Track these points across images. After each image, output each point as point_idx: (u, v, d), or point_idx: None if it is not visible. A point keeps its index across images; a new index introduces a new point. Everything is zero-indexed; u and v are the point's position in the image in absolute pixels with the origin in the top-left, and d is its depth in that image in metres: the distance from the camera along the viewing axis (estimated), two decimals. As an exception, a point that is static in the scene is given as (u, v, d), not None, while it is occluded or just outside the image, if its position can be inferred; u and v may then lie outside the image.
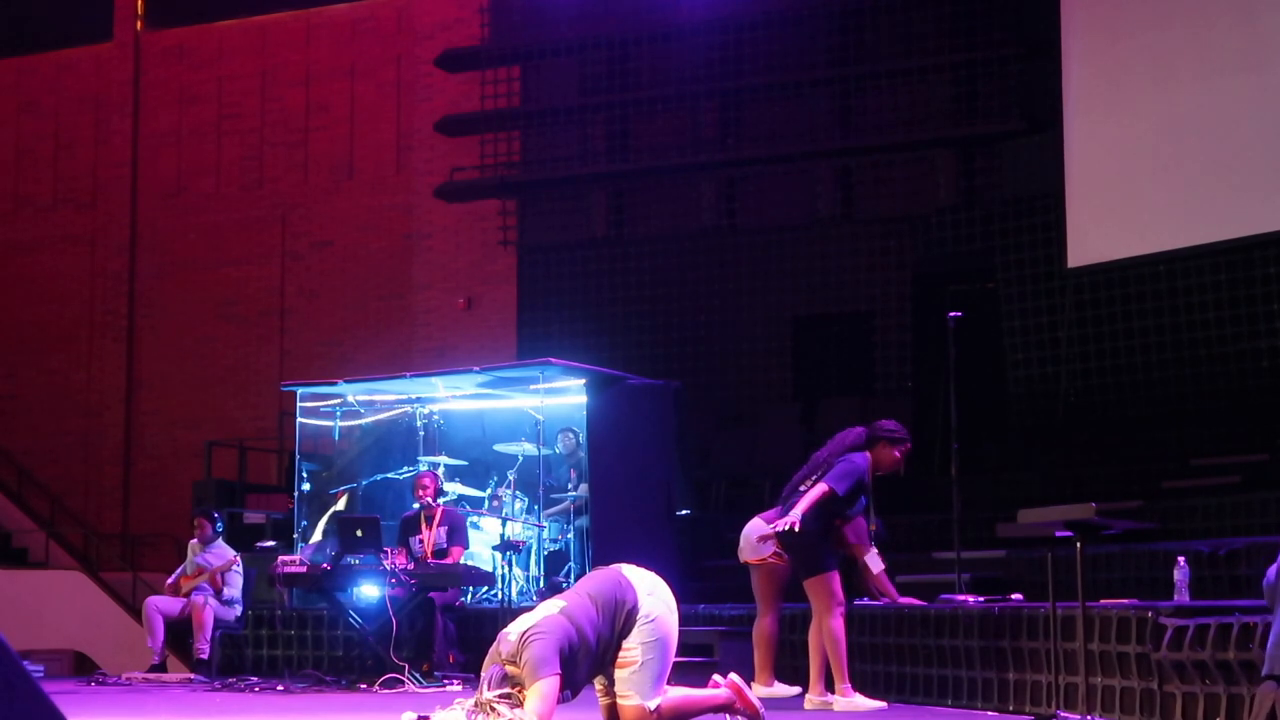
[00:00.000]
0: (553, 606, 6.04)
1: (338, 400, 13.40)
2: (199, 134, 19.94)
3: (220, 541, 12.45)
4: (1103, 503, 8.79)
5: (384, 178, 18.95)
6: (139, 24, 20.34)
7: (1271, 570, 6.12)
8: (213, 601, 12.03)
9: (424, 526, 11.46)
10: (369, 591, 10.67)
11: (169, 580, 12.51)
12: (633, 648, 6.10)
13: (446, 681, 10.24)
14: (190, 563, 12.37)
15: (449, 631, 11.07)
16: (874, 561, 8.80)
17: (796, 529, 8.12)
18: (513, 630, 5.95)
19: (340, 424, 13.51)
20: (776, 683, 8.73)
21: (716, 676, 6.71)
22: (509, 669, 5.83)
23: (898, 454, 8.49)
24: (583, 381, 12.42)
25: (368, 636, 10.72)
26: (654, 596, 6.19)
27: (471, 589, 11.71)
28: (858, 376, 15.89)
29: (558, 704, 5.83)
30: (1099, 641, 7.33)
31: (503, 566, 11.42)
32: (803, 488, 8.37)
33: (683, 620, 6.46)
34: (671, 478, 12.62)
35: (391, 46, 19.00)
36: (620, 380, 12.70)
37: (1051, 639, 7.50)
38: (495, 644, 5.98)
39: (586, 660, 5.99)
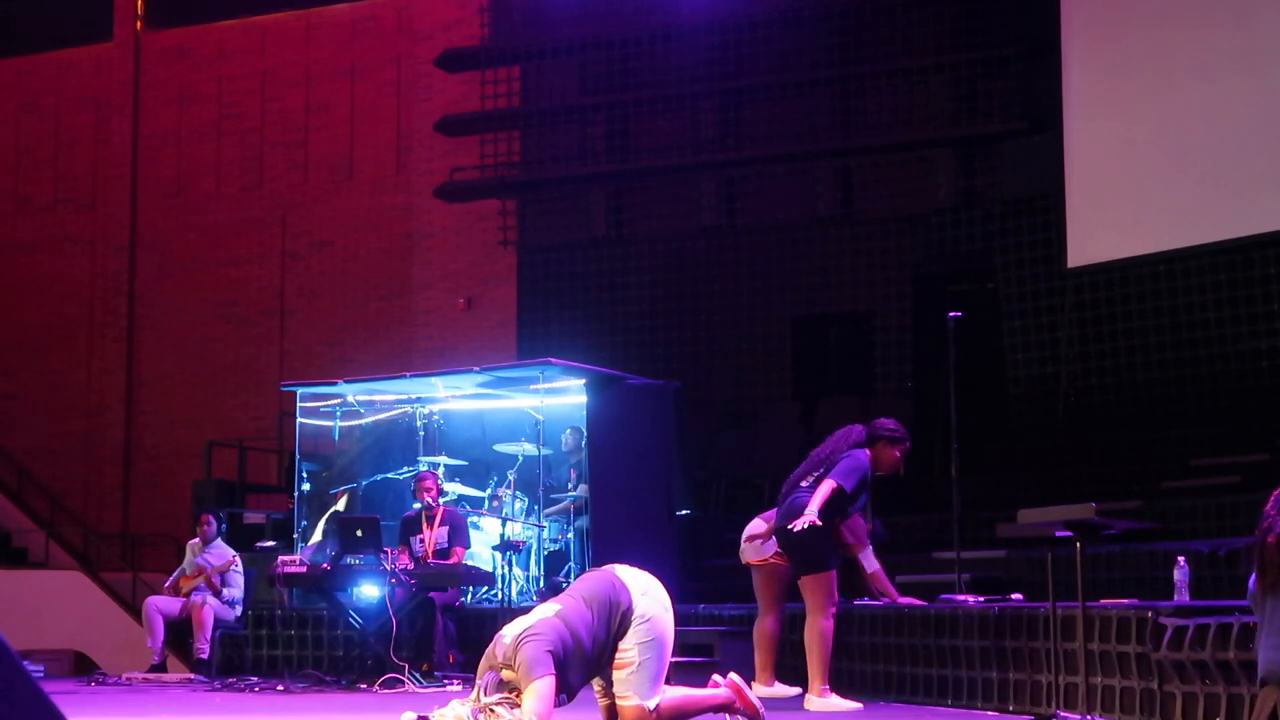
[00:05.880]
0: (548, 610, 6.04)
1: (338, 400, 13.40)
2: (199, 134, 19.94)
3: (220, 541, 12.46)
4: (1103, 503, 8.78)
5: (384, 178, 18.94)
6: (139, 24, 20.33)
7: (1252, 580, 6.19)
8: (213, 601, 12.04)
9: (425, 526, 11.45)
10: (369, 591, 10.66)
11: (167, 581, 12.53)
12: (629, 649, 6.09)
13: (446, 681, 10.24)
14: (190, 562, 12.38)
15: (449, 631, 11.07)
16: (869, 561, 8.79)
17: (819, 525, 8.06)
18: (507, 634, 5.95)
19: (340, 424, 13.50)
20: (777, 683, 8.73)
21: (716, 676, 6.70)
22: (504, 674, 5.83)
23: (898, 453, 8.46)
24: (583, 381, 12.41)
25: (368, 636, 10.72)
26: (648, 596, 6.18)
27: (471, 589, 11.71)
28: (858, 376, 15.89)
29: (555, 707, 5.83)
30: (1099, 641, 7.32)
31: (503, 566, 11.43)
32: (804, 484, 8.33)
33: (683, 620, 6.47)
34: (671, 478, 12.61)
35: (391, 46, 19.00)
36: (620, 380, 12.69)
37: (1051, 639, 7.49)
38: (490, 647, 5.98)
39: (581, 663, 5.98)
